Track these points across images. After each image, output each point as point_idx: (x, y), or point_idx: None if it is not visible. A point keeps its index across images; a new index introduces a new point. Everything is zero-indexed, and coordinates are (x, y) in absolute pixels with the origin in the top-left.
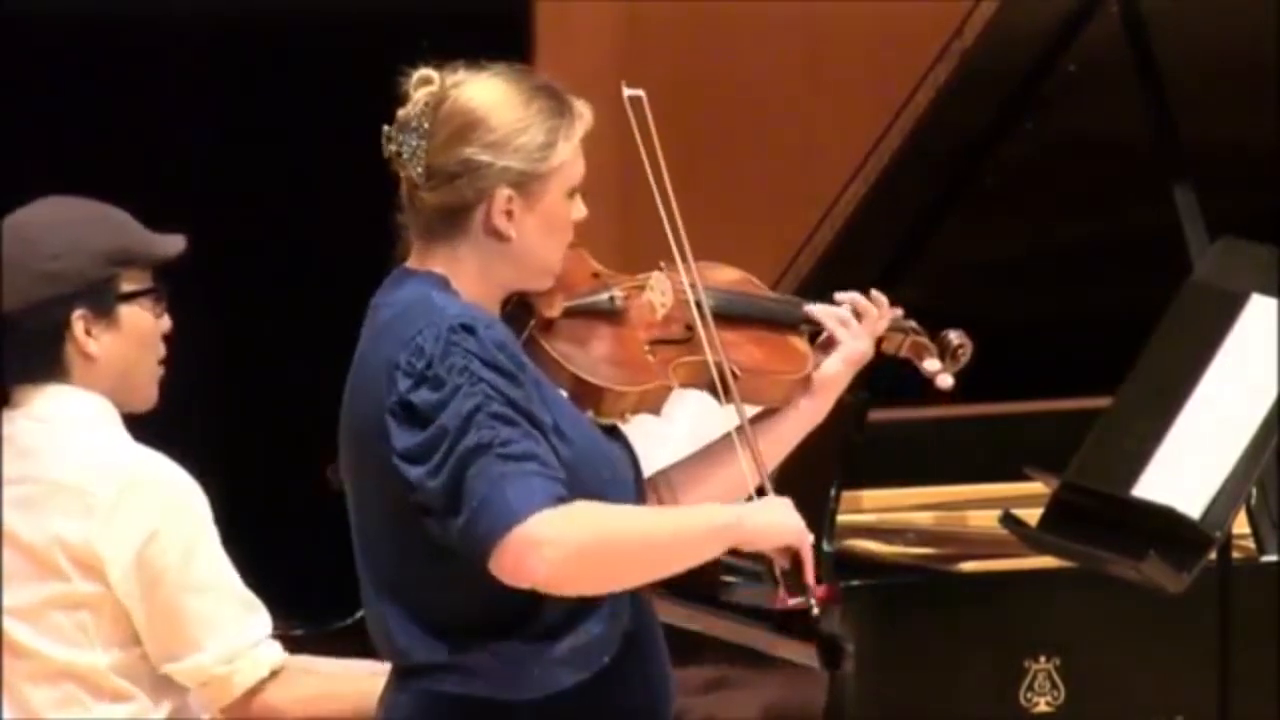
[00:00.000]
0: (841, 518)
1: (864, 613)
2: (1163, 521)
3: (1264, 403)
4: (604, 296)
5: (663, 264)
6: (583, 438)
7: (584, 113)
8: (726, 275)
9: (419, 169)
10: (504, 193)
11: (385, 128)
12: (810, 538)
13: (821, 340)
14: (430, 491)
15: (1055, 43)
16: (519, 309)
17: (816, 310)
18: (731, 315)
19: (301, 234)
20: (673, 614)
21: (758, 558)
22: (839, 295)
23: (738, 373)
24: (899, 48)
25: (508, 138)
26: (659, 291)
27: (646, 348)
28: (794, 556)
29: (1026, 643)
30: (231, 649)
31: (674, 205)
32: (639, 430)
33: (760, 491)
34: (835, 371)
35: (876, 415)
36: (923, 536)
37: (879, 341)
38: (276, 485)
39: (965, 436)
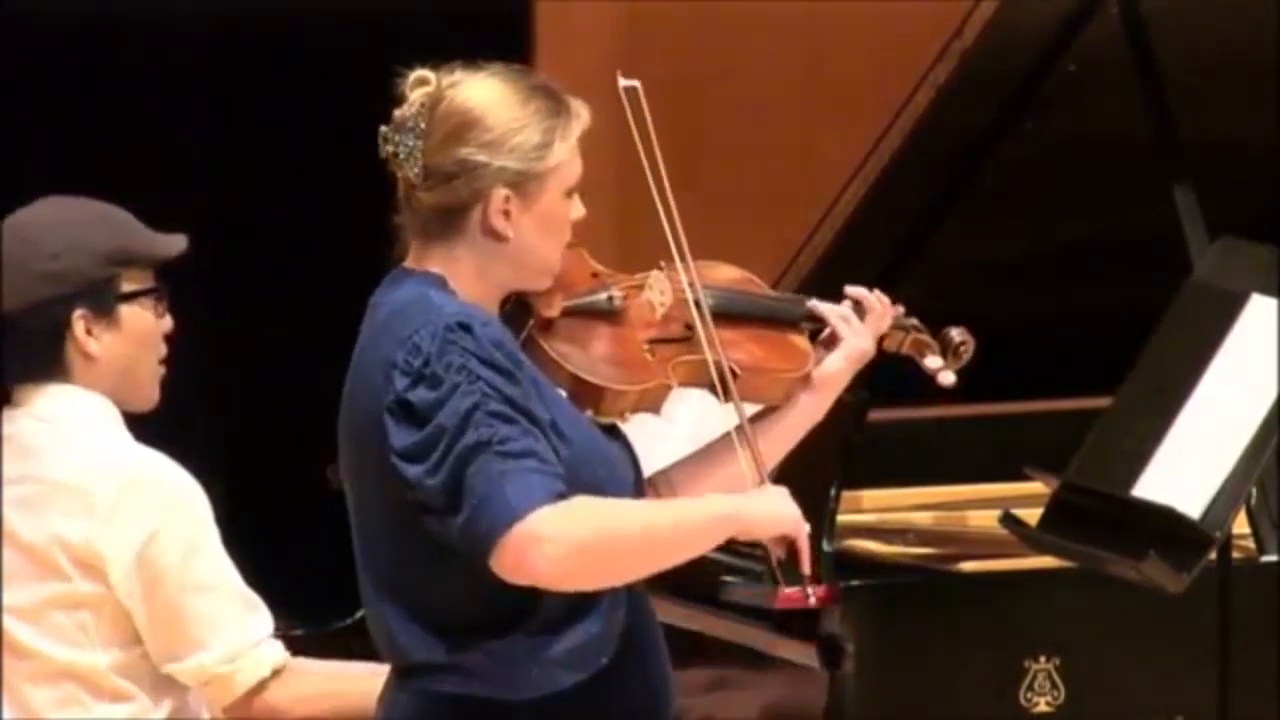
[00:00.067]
0: (841, 518)
1: (864, 613)
2: (1163, 521)
3: (1264, 403)
4: (603, 296)
5: (662, 263)
6: (581, 437)
7: (581, 112)
8: (726, 274)
9: (416, 169)
10: (501, 192)
11: (382, 128)
12: (806, 527)
13: (823, 338)
14: (429, 490)
15: (1055, 43)
16: (518, 309)
17: (819, 306)
18: (731, 314)
19: (301, 234)
20: (673, 614)
21: (754, 547)
22: (847, 289)
23: (737, 371)
24: (899, 48)
25: (504, 137)
26: (658, 290)
27: (646, 347)
28: (790, 546)
29: (1026, 643)
30: (233, 648)
31: (670, 198)
32: (639, 430)
33: None
34: (836, 369)
35: (876, 415)
36: (923, 536)
37: (880, 339)
38: (276, 485)
39: (965, 436)
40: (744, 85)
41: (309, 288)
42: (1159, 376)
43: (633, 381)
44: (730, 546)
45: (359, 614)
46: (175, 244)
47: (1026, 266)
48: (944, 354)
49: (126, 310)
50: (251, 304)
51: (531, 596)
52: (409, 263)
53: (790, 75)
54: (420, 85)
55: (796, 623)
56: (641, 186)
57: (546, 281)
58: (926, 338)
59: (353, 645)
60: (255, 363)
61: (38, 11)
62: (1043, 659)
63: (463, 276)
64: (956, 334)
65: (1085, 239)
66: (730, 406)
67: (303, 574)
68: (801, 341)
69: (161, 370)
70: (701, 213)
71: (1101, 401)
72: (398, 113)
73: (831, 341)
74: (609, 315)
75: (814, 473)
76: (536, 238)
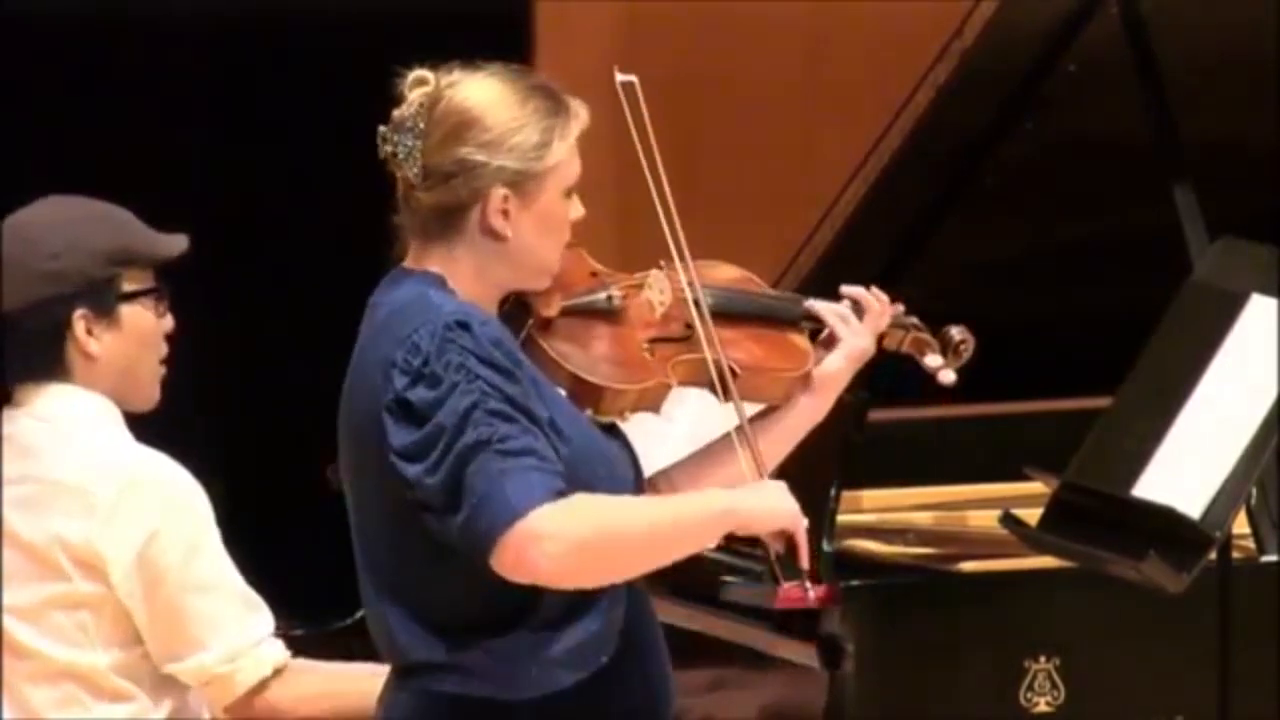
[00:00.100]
0: (841, 518)
1: (864, 613)
2: (1163, 521)
3: (1264, 403)
4: (602, 295)
5: (661, 262)
6: (581, 436)
7: (580, 112)
8: (726, 273)
9: (414, 169)
10: (499, 192)
11: (381, 128)
12: (805, 521)
13: (823, 337)
14: (429, 489)
15: (1055, 43)
16: (517, 309)
17: (817, 306)
18: (730, 313)
19: (301, 234)
20: (673, 614)
21: (754, 546)
22: (844, 289)
23: (737, 370)
24: (899, 48)
25: (503, 137)
26: (657, 290)
27: (645, 346)
28: (788, 540)
29: (1026, 643)
30: (234, 648)
31: (669, 195)
32: (639, 429)
33: None
34: (836, 368)
35: (876, 415)
36: (923, 536)
37: (880, 338)
38: (276, 485)
39: (965, 436)
40: (744, 85)
41: (309, 288)
42: (1159, 376)
43: (632, 381)
44: (730, 546)
45: (359, 614)
46: (176, 244)
47: (1026, 266)
48: (944, 352)
49: (127, 310)
50: (251, 304)
51: (531, 595)
52: (408, 262)
53: (790, 75)
54: (419, 85)
55: (796, 623)
56: (641, 186)
57: (546, 281)
58: (926, 336)
59: (353, 645)
60: (255, 363)
61: (38, 11)
62: (1043, 659)
63: (462, 276)
64: (956, 332)
65: (1085, 239)
66: (730, 406)
67: (303, 574)
68: (801, 341)
69: (162, 370)
70: (701, 213)
71: (1101, 401)
72: (396, 113)
73: (831, 341)
74: (608, 315)
75: (814, 472)
76: (535, 237)
